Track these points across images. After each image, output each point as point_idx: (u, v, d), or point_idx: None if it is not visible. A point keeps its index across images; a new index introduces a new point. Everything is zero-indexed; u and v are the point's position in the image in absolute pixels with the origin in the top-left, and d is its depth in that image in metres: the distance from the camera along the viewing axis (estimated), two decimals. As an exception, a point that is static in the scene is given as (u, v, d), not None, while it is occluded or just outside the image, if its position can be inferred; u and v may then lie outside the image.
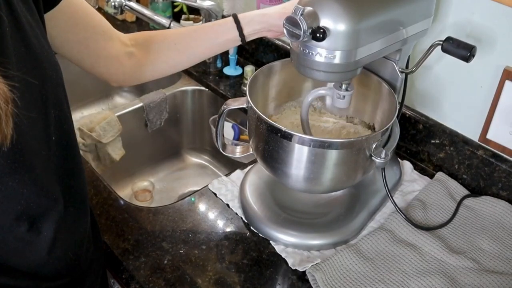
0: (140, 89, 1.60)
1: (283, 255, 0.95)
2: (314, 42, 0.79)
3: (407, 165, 1.15)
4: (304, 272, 0.92)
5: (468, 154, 1.08)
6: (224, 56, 1.44)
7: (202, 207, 1.05)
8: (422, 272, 0.93)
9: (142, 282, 0.89)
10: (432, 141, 1.13)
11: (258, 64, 1.44)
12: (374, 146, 0.87)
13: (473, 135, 1.08)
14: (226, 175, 1.12)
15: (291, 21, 0.78)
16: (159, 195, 1.36)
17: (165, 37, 0.96)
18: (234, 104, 0.94)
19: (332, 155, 0.85)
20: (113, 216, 1.01)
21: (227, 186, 1.08)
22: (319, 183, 0.90)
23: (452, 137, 1.10)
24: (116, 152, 1.27)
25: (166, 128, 1.40)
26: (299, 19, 0.77)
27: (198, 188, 1.10)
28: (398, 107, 0.91)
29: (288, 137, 0.85)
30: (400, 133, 1.17)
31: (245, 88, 1.34)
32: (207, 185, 1.09)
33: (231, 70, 1.40)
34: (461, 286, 0.91)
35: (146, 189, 1.36)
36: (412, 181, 1.12)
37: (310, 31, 0.78)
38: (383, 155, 0.87)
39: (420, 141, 1.15)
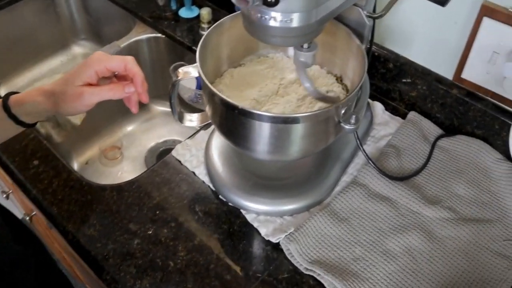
0: (98, 36, 1.38)
1: (255, 225, 0.83)
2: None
3: (378, 107, 1.00)
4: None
5: (442, 93, 0.93)
6: (178, -5, 1.21)
7: (167, 178, 0.90)
8: (398, 229, 0.82)
9: (112, 272, 0.78)
10: (403, 80, 0.97)
11: (216, 2, 1.22)
12: (342, 111, 0.71)
13: (447, 73, 0.92)
14: (190, 137, 0.96)
15: (235, -15, 0.59)
16: (129, 150, 1.21)
17: None
18: (185, 75, 0.76)
19: (298, 129, 0.70)
20: (76, 199, 0.87)
21: (191, 151, 0.93)
22: (286, 154, 0.76)
23: (425, 75, 0.94)
24: (76, 116, 1.09)
25: (126, 82, 1.21)
26: (244, -18, 0.58)
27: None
28: (366, 63, 0.74)
29: (246, 114, 0.68)
30: (370, 72, 1.01)
31: (203, 33, 1.14)
32: (170, 152, 0.94)
33: (187, 12, 1.18)
34: (438, 239, 0.81)
35: (114, 146, 1.20)
36: (384, 124, 0.97)
37: (260, -6, 0.59)
38: (353, 121, 0.71)
39: (391, 80, 0.99)
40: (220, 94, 0.69)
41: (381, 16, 0.77)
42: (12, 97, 0.72)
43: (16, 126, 0.72)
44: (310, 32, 0.67)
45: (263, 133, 0.70)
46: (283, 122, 0.68)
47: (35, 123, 0.76)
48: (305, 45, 0.72)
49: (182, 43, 1.14)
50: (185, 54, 1.13)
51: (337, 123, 0.72)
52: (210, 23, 1.11)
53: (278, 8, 0.61)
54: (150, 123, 1.25)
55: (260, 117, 0.68)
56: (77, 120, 1.10)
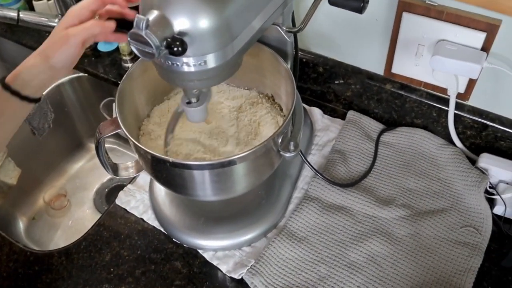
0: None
1: (215, 263, 0.77)
2: (175, 54, 0.53)
3: (316, 112, 0.94)
4: (241, 278, 0.75)
5: (376, 89, 0.89)
6: (94, 29, 1.10)
7: (115, 230, 0.82)
8: (358, 237, 0.78)
9: None
10: (336, 82, 0.92)
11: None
12: (279, 140, 0.65)
13: (378, 70, 0.87)
14: (131, 181, 0.88)
15: (136, 39, 0.51)
16: (75, 196, 1.11)
17: None
18: (108, 130, 0.68)
19: (238, 168, 0.64)
20: (23, 274, 0.78)
21: (135, 196, 0.86)
22: (232, 192, 0.70)
23: (356, 74, 0.89)
24: (11, 175, 0.99)
25: (58, 127, 1.09)
26: (145, 35, 0.50)
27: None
28: (295, 87, 0.68)
29: (179, 166, 0.62)
30: (301, 78, 0.95)
31: (126, 65, 1.05)
32: (114, 202, 0.86)
33: (106, 46, 1.08)
34: (398, 240, 0.78)
35: (60, 194, 1.10)
36: (325, 129, 0.92)
37: (165, 43, 0.52)
38: (292, 147, 0.66)
39: (324, 83, 0.94)
40: (148, 150, 0.61)
41: (300, 30, 0.71)
42: (9, 76, 0.67)
43: (21, 104, 0.67)
44: (230, 67, 0.60)
45: (202, 180, 0.64)
46: (221, 166, 0.62)
47: (39, 98, 0.71)
48: (193, 100, 0.64)
49: (106, 79, 1.04)
50: (112, 89, 1.04)
51: (276, 152, 0.67)
52: (131, 54, 1.02)
53: (189, 53, 0.54)
54: (92, 163, 1.16)
55: (194, 167, 0.61)
56: (12, 179, 1.00)
